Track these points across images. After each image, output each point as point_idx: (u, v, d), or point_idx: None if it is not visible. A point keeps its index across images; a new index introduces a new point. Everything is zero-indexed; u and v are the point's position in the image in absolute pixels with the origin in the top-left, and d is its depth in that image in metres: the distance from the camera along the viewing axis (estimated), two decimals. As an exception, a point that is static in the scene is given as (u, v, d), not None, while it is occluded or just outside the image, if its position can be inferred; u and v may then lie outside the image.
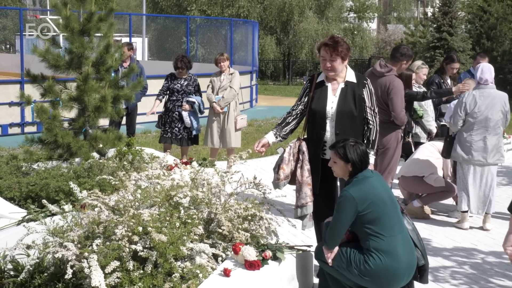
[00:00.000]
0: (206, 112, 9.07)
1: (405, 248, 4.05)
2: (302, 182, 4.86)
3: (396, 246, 4.00)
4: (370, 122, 4.88)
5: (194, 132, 8.82)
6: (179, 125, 8.73)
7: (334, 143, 4.34)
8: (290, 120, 5.03)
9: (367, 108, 4.87)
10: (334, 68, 4.81)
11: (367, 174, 4.15)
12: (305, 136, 5.04)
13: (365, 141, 4.85)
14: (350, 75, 4.91)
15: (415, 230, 4.29)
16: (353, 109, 4.81)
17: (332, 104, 4.84)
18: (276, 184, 4.95)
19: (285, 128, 5.03)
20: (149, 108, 9.13)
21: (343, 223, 4.01)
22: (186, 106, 8.68)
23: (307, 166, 4.87)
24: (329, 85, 4.91)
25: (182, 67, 8.73)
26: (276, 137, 4.99)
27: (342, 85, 4.88)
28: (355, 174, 4.17)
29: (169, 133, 8.77)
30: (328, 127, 4.84)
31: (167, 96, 8.85)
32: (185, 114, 8.68)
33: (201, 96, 8.90)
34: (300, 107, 5.02)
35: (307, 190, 4.85)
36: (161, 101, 8.91)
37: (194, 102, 8.70)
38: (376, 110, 4.93)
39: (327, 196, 4.98)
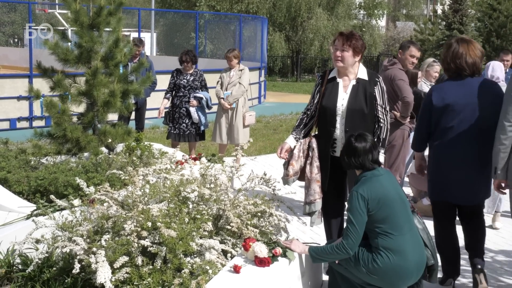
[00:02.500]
0: (215, 108, 9.05)
1: (414, 247, 4.02)
2: (311, 178, 4.84)
3: (405, 245, 3.97)
4: (381, 120, 4.83)
5: (202, 128, 8.80)
6: (187, 121, 8.70)
7: None
8: (306, 121, 5.00)
9: (378, 106, 4.82)
10: (344, 58, 4.76)
11: (376, 173, 4.12)
12: (316, 133, 5.02)
13: (376, 139, 4.81)
14: (362, 72, 4.87)
15: (425, 229, 4.27)
16: (363, 107, 4.77)
17: (342, 101, 4.81)
18: (285, 180, 4.94)
19: (303, 129, 5.01)
20: (158, 103, 9.11)
21: (359, 224, 3.94)
22: (194, 102, 8.65)
23: (316, 163, 4.85)
24: (340, 81, 4.87)
25: (187, 60, 8.68)
26: (297, 140, 4.97)
27: (353, 82, 4.84)
28: (364, 172, 4.14)
29: (176, 129, 8.74)
30: (338, 124, 4.80)
31: (174, 92, 8.83)
32: (192, 110, 8.65)
33: (207, 91, 8.87)
34: (314, 106, 4.98)
35: (316, 187, 4.83)
36: (169, 99, 8.87)
37: (201, 98, 8.68)
38: (388, 109, 4.89)
39: (336, 193, 4.97)
